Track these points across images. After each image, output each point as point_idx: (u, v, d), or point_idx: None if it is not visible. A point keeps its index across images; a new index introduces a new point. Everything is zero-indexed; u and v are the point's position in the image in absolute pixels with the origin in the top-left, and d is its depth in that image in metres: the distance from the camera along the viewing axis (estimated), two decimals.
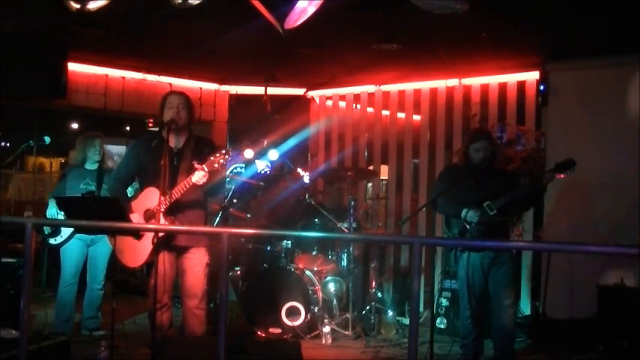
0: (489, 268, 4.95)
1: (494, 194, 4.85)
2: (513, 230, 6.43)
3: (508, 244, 4.65)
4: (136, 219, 4.37)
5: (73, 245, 5.62)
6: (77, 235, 5.55)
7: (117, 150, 11.59)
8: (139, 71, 7.81)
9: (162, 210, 4.26)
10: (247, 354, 3.89)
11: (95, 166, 5.75)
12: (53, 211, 5.50)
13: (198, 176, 4.24)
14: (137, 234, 4.29)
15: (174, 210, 4.36)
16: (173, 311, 4.69)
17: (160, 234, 4.26)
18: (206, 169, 4.22)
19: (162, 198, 4.24)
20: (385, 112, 8.04)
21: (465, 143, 5.15)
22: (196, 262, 4.50)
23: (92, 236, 5.60)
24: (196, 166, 4.23)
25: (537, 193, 4.96)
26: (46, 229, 5.55)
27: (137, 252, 4.38)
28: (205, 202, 4.68)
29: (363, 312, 6.39)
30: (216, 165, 4.22)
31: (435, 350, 4.93)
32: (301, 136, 8.39)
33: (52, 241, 5.58)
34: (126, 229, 4.20)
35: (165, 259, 4.33)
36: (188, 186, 4.29)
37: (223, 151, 4.27)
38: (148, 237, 4.28)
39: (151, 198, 4.36)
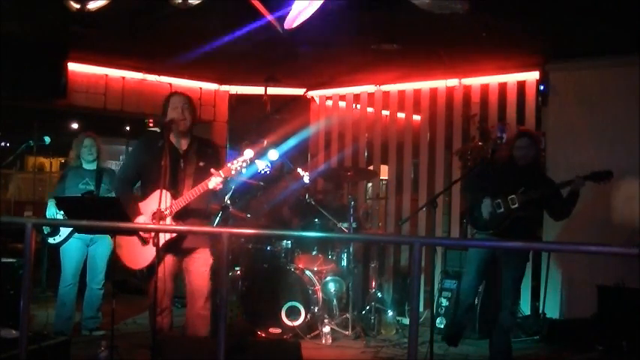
0: (497, 259, 4.97)
1: (523, 190, 4.85)
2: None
3: (507, 244, 4.65)
4: (143, 221, 4.30)
5: (72, 245, 5.63)
6: (77, 235, 5.55)
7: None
8: (139, 71, 7.80)
9: (172, 213, 4.23)
10: (247, 354, 3.89)
11: (93, 166, 5.75)
12: (52, 211, 5.51)
13: (216, 182, 4.24)
14: (142, 237, 4.26)
15: (181, 213, 4.32)
16: (173, 311, 4.68)
17: (167, 237, 4.21)
18: (223, 175, 4.23)
19: (173, 200, 4.21)
20: (385, 112, 8.04)
21: (510, 141, 5.17)
22: (202, 263, 4.47)
23: (91, 236, 5.60)
24: (213, 172, 4.23)
25: (570, 198, 4.86)
26: (45, 229, 5.55)
27: (140, 254, 4.33)
28: (207, 205, 4.67)
29: (363, 312, 6.39)
30: (233, 172, 4.25)
31: (435, 350, 4.93)
32: (301, 136, 8.38)
33: (51, 240, 5.59)
34: (125, 230, 4.19)
35: (167, 262, 4.30)
36: (203, 190, 4.26)
37: (241, 159, 4.28)
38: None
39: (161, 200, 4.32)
